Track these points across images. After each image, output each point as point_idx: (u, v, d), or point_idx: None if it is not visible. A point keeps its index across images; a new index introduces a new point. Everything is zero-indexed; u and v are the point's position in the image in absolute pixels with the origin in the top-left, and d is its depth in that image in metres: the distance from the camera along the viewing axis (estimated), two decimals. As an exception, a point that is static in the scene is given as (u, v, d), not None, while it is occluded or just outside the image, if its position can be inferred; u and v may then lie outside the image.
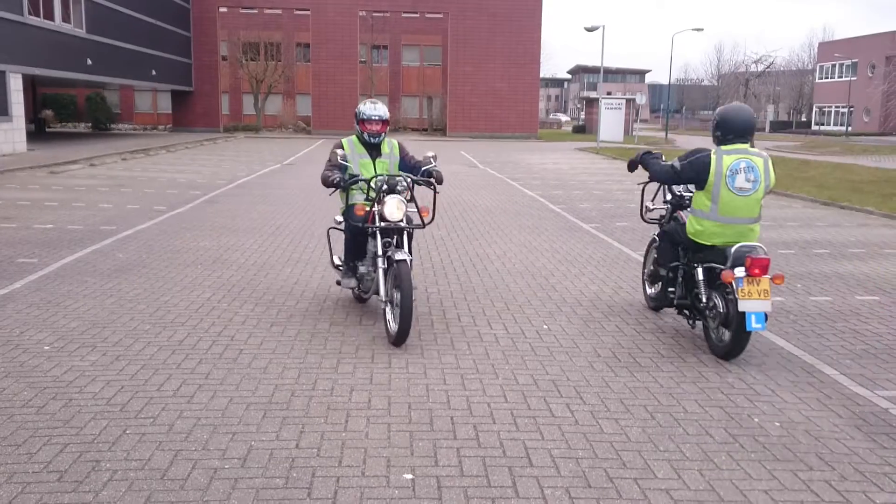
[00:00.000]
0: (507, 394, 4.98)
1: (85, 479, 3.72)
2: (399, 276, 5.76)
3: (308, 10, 49.32)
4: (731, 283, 5.58)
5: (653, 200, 7.19)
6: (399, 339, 5.84)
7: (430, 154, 6.77)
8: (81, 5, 31.81)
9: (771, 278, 5.55)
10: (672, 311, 6.90)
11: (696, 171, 6.04)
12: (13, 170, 20.15)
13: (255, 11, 57.10)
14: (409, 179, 6.38)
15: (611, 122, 46.34)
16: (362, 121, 6.64)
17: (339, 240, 7.10)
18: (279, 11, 56.44)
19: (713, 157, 5.93)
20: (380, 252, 6.18)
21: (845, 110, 68.67)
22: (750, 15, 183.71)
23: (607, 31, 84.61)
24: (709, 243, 6.02)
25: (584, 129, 57.34)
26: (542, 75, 58.38)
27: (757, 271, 5.46)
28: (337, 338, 6.13)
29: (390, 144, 6.86)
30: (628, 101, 52.64)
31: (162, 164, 24.39)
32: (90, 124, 50.10)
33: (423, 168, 6.67)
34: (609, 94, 69.19)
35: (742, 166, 5.85)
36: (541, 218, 13.34)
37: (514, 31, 48.97)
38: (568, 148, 40.34)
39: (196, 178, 19.45)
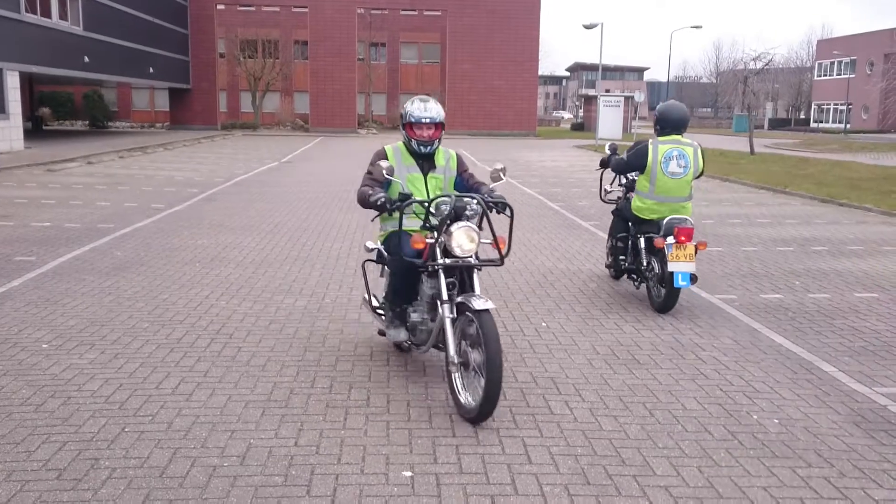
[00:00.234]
0: (505, 391, 4.96)
1: (84, 477, 3.72)
2: (483, 333, 4.33)
3: (306, 7, 49.29)
4: (662, 249, 6.79)
5: (611, 184, 8.35)
6: (481, 416, 4.38)
7: (499, 167, 5.21)
8: (78, 3, 31.77)
9: (695, 245, 6.75)
10: (669, 313, 6.94)
11: (638, 159, 7.20)
12: (10, 168, 20.12)
13: (253, 9, 57.09)
14: (481, 201, 4.72)
15: (609, 120, 46.25)
16: (410, 124, 5.13)
17: (368, 267, 5.95)
18: (277, 9, 56.41)
19: (650, 146, 7.11)
20: (444, 295, 4.69)
21: (844, 108, 68.68)
22: (749, 12, 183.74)
23: (606, 29, 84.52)
24: (648, 218, 7.19)
25: (583, 127, 57.32)
26: (540, 73, 58.36)
27: (683, 239, 6.68)
28: (335, 335, 6.13)
29: (447, 155, 5.35)
30: (627, 98, 52.56)
31: (159, 161, 24.37)
32: (87, 122, 50.08)
33: (490, 188, 5.16)
34: (608, 91, 69.17)
35: (674, 154, 7.05)
36: (539, 216, 13.34)
37: (513, 29, 48.96)
38: (566, 145, 40.35)
39: (194, 176, 19.43)
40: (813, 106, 78.82)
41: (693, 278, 6.76)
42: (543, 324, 6.59)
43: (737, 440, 4.31)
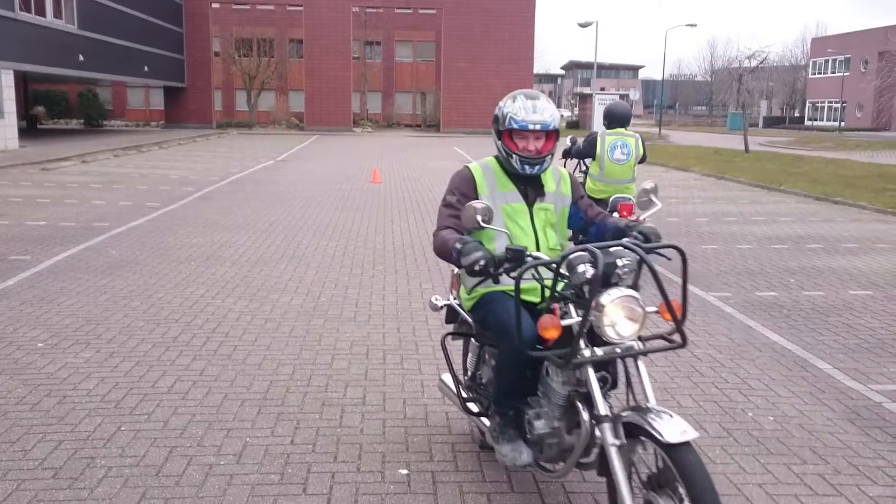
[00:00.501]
0: (501, 389, 4.97)
1: (80, 476, 3.71)
2: (687, 482, 2.72)
3: (301, 5, 49.21)
4: None
5: (573, 172, 8.82)
6: None
7: (650, 186, 3.83)
8: (73, 1, 31.69)
9: (635, 218, 6.85)
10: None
11: (589, 147, 8.65)
12: (5, 166, 20.07)
13: (248, 7, 56.99)
14: (636, 249, 3.13)
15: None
16: (510, 132, 3.55)
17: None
18: (272, 7, 56.31)
19: (599, 138, 8.53)
20: (600, 407, 3.03)
21: (838, 106, 68.82)
22: (743, 10, 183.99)
23: (601, 27, 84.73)
24: (599, 197, 8.44)
25: (578, 125, 57.36)
26: (535, 71, 58.39)
27: (624, 213, 7.76)
28: (331, 334, 6.13)
29: (556, 175, 3.75)
30: (622, 96, 52.67)
31: (154, 160, 24.33)
32: (82, 121, 49.95)
33: (633, 223, 3.61)
34: (602, 89, 69.27)
35: (618, 144, 8.45)
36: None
37: (508, 27, 48.94)
38: (562, 144, 40.31)
39: (189, 175, 19.40)
40: (807, 104, 78.96)
41: None
42: (539, 322, 6.58)
43: (732, 437, 4.32)
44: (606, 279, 3.06)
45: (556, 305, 3.14)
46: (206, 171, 20.46)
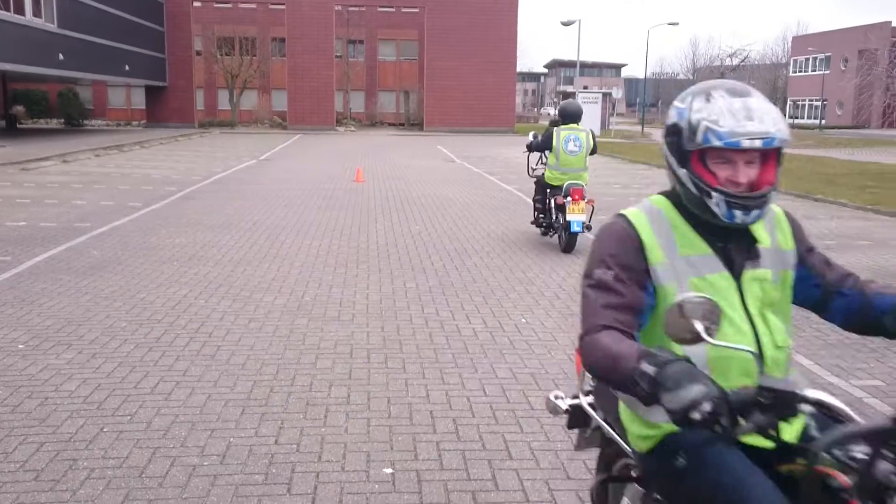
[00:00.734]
0: (486, 387, 4.99)
1: (62, 478, 3.69)
2: None
3: (283, 4, 49.02)
4: (563, 205, 9.49)
5: (536, 164, 10.75)
6: None
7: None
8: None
9: (586, 202, 9.50)
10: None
11: (546, 140, 10.02)
12: (-16, 166, 19.86)
13: (230, 6, 56.74)
14: None
15: (588, 116, 46.35)
16: (703, 152, 2.10)
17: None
18: (254, 6, 56.05)
19: (555, 132, 9.87)
20: None
21: (819, 103, 69.38)
22: (725, 9, 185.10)
23: (583, 26, 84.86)
24: (556, 184, 9.84)
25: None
26: (518, 69, 58.45)
27: (576, 197, 9.38)
28: (315, 333, 6.11)
29: (770, 220, 2.29)
30: (605, 95, 52.81)
31: (136, 160, 24.17)
32: (62, 120, 49.51)
33: None
34: (585, 88, 69.41)
35: (572, 138, 9.79)
36: (518, 212, 13.36)
37: (491, 26, 48.97)
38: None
39: (171, 174, 19.29)
40: (788, 102, 79.56)
41: (585, 227, 9.52)
42: (523, 320, 6.61)
43: (715, 433, 4.34)
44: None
45: None
46: (189, 171, 20.34)
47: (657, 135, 39.14)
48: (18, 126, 43.23)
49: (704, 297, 1.87)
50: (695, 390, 1.72)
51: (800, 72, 76.99)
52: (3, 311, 6.58)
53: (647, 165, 24.95)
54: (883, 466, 1.69)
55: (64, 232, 10.57)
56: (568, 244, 9.63)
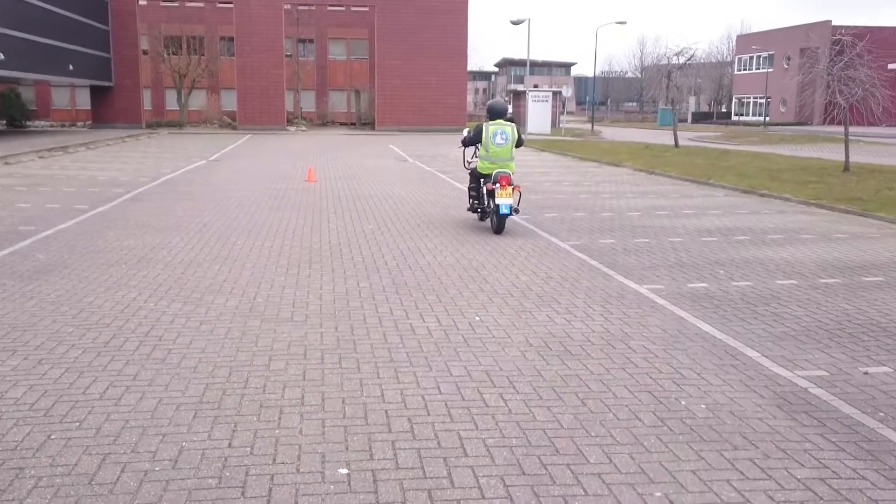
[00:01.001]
0: (440, 385, 5.00)
1: (8, 488, 3.60)
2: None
3: (231, 3, 48.43)
4: (492, 191, 10.75)
5: (471, 157, 12.02)
6: None
7: None
8: (-9, -3, 30.57)
9: (513, 187, 10.71)
10: (599, 304, 7.10)
11: (477, 135, 11.38)
12: (-79, 169, 19.24)
13: (177, 4, 55.88)
14: None
15: (538, 115, 46.84)
16: None
17: None
18: (201, 4, 55.33)
19: (484, 127, 11.23)
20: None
21: (763, 101, 70.88)
22: (672, 8, 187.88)
23: (533, 25, 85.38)
24: (486, 173, 11.15)
25: (513, 122, 57.79)
26: (469, 68, 58.62)
27: (504, 183, 10.60)
28: (268, 335, 6.06)
29: None
30: (555, 93, 53.25)
31: (82, 161, 23.65)
32: (4, 121, 48.19)
33: None
34: (536, 86, 69.88)
35: (499, 132, 11.17)
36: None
37: (441, 24, 49.03)
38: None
39: (118, 176, 18.93)
40: (734, 99, 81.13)
41: (513, 209, 10.88)
42: (477, 318, 6.63)
43: (666, 426, 4.43)
44: None
45: None
46: (137, 172, 19.98)
47: (607, 132, 39.80)
48: (-43, 127, 41.97)
49: None
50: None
51: (744, 70, 78.55)
52: (-56, 317, 6.39)
53: (598, 163, 25.22)
54: None
55: (7, 236, 10.30)
56: (499, 225, 10.82)
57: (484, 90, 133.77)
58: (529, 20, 38.75)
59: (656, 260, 9.22)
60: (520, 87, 64.38)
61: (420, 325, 6.40)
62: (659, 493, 3.65)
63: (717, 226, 11.91)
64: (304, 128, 51.32)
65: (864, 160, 24.45)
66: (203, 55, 54.63)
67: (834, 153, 27.59)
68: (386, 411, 4.57)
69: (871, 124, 34.32)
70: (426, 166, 23.24)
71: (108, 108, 47.86)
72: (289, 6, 51.21)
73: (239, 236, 10.53)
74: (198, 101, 54.86)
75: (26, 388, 4.85)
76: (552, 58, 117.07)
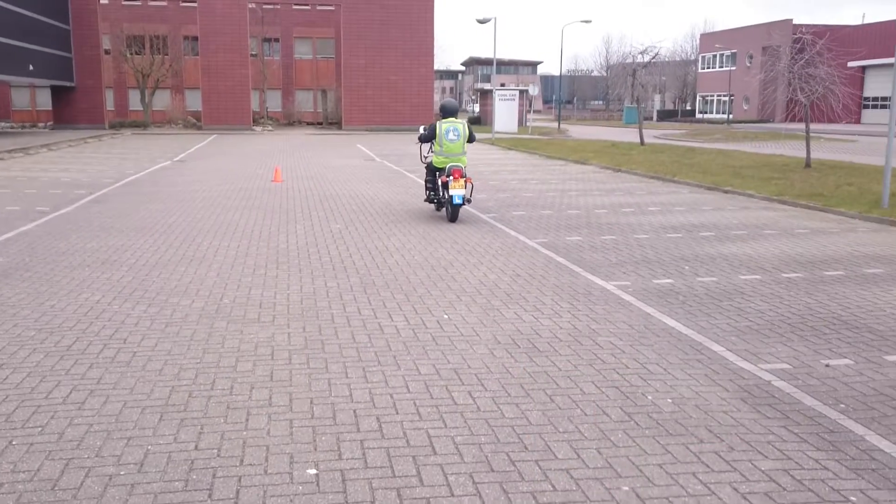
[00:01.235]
0: (409, 384, 5.00)
1: (-32, 496, 3.53)
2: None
3: (194, 1, 47.91)
4: (446, 183, 11.70)
5: (427, 152, 12.87)
6: None
7: None
8: (-53, -4, 29.93)
9: (465, 179, 11.70)
10: (567, 300, 7.14)
11: (431, 132, 12.33)
12: None
13: (139, 3, 55.15)
14: None
15: (505, 113, 46.93)
16: None
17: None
18: (164, 3, 54.66)
19: (438, 125, 12.15)
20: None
21: (726, 98, 71.79)
22: (636, 7, 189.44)
23: (499, 23, 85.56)
24: (441, 166, 12.06)
25: (480, 121, 57.92)
26: (436, 67, 58.58)
27: (457, 176, 11.54)
28: (235, 336, 6.01)
29: None
30: (521, 92, 53.42)
31: (43, 163, 23.26)
32: (-38, 123, 47.24)
33: None
34: (503, 85, 70.10)
35: (451, 129, 12.11)
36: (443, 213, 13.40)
37: (407, 23, 48.97)
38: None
39: (81, 177, 18.65)
40: (698, 97, 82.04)
41: (466, 200, 11.87)
42: (445, 316, 6.64)
43: (633, 421, 4.46)
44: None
45: None
46: (100, 173, 19.70)
47: (574, 131, 39.96)
48: (-87, 129, 41.07)
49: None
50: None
51: (708, 68, 79.47)
52: None
53: (564, 161, 25.36)
54: None
55: (-35, 239, 10.09)
56: (452, 215, 11.81)
57: (451, 89, 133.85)
58: (495, 19, 38.80)
59: (623, 257, 9.30)
60: (486, 86, 64.54)
61: (388, 324, 6.39)
62: (626, 487, 3.68)
63: (683, 222, 12.04)
64: (270, 128, 50.95)
65: (824, 156, 24.87)
66: (167, 55, 53.94)
67: (795, 150, 28.02)
68: (354, 411, 4.56)
69: (831, 121, 34.91)
70: (394, 165, 23.20)
71: (70, 109, 47.12)
72: (253, 5, 50.82)
73: (205, 237, 10.43)
74: (162, 101, 54.19)
75: (-13, 393, 4.76)
76: (519, 57, 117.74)
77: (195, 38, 50.78)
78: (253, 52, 52.50)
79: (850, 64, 44.61)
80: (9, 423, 4.32)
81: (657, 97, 77.53)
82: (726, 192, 16.14)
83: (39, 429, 4.25)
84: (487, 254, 9.43)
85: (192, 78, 53.21)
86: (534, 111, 59.49)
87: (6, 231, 10.74)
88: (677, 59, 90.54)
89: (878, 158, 15.90)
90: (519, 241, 10.34)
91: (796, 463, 3.94)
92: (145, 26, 53.10)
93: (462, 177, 11.62)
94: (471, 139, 12.34)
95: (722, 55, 75.46)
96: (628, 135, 41.52)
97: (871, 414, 4.57)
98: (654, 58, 35.96)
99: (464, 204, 11.83)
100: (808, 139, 21.93)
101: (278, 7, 55.58)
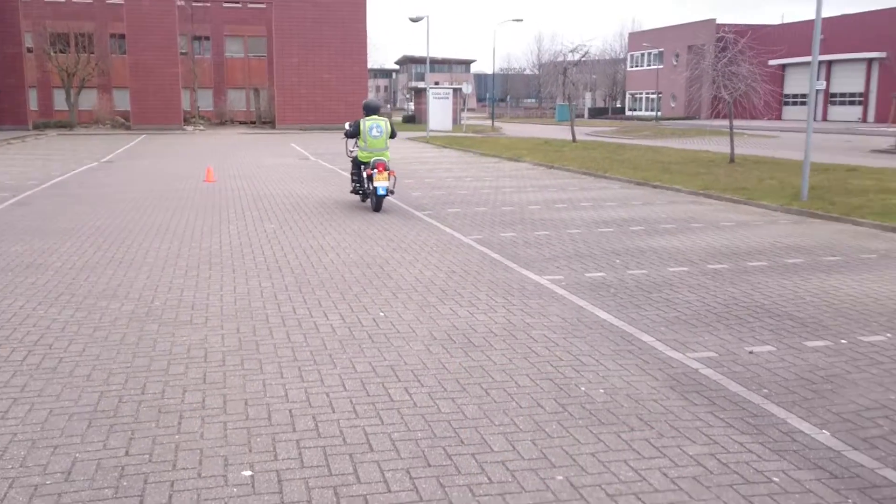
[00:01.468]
0: (345, 382, 4.99)
1: None
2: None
3: (121, -2, 46.72)
4: (371, 175, 12.56)
5: (353, 147, 13.57)
6: None
7: None
8: None
9: (388, 172, 12.49)
10: (502, 296, 7.22)
11: (355, 128, 13.14)
12: None
13: (63, 0, 53.46)
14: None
15: (439, 112, 47.05)
16: None
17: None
18: (90, 0, 53.10)
19: (362, 122, 12.99)
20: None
21: (655, 96, 73.33)
22: (567, 6, 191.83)
23: (432, 22, 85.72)
24: (365, 160, 12.97)
25: (414, 119, 57.93)
26: (370, 66, 58.38)
27: (380, 169, 12.43)
28: (167, 339, 5.90)
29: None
30: (455, 90, 53.62)
31: (-39, 165, 22.39)
32: None
33: None
34: (437, 83, 70.21)
35: (374, 126, 12.95)
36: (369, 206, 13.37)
37: (340, 21, 48.67)
38: (398, 138, 40.57)
39: (3, 179, 18.02)
40: (627, 95, 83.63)
41: (389, 191, 12.63)
42: (381, 313, 6.64)
43: (567, 412, 4.54)
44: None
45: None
46: (23, 175, 19.06)
47: (508, 129, 40.36)
48: None
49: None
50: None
51: (636, 66, 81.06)
52: None
53: (499, 159, 25.54)
54: None
55: None
56: (377, 205, 12.73)
57: (385, 87, 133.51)
58: (428, 17, 38.81)
59: (556, 251, 9.43)
60: (420, 85, 64.53)
61: (324, 323, 6.36)
62: (560, 477, 3.75)
63: (614, 217, 12.27)
64: (201, 127, 50.04)
65: (747, 152, 25.62)
66: (93, 53, 52.44)
67: (720, 145, 28.77)
68: (290, 411, 4.53)
69: (753, 118, 35.96)
70: (328, 164, 23.05)
71: (-10, 109, 45.44)
72: (182, 2, 49.83)
73: (134, 239, 10.20)
74: (88, 100, 52.67)
75: None
76: (452, 55, 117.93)
77: (122, 36, 49.56)
78: (183, 51, 51.50)
79: (771, 62, 46.04)
80: (-72, 435, 4.16)
81: (588, 95, 78.70)
82: (655, 187, 16.49)
83: (-39, 439, 4.11)
84: (423, 251, 9.45)
85: (120, 77, 51.88)
86: (468, 109, 59.81)
87: (-78, 236, 10.32)
88: (607, 57, 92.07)
89: (797, 153, 16.47)
90: (454, 237, 10.39)
91: (722, 447, 4.07)
92: (70, 24, 51.56)
93: (385, 169, 12.49)
94: (392, 135, 13.31)
95: (650, 54, 77.06)
96: (561, 132, 42.06)
97: (791, 398, 4.75)
98: (584, 56, 36.55)
99: (387, 195, 12.69)
100: (731, 135, 22.57)
101: (208, 5, 54.64)
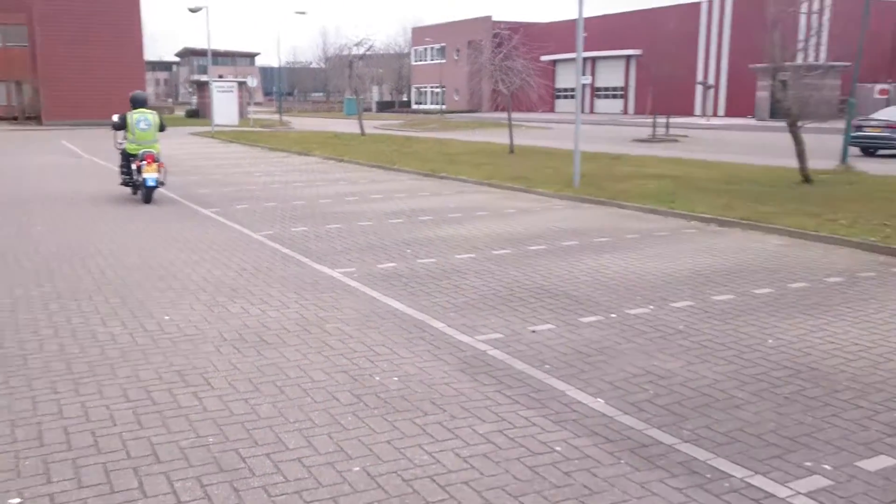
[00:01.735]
0: (127, 392, 4.71)
1: None
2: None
3: None
4: (139, 167, 12.72)
5: (121, 139, 13.51)
6: None
7: None
8: None
9: (157, 164, 12.71)
10: (295, 291, 7.13)
11: (122, 121, 13.25)
12: None
13: None
14: None
15: (224, 106, 45.54)
16: None
17: None
18: None
19: (129, 115, 13.11)
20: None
21: (439, 90, 75.34)
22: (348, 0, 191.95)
23: (212, 13, 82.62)
24: (135, 153, 12.97)
25: (199, 114, 55.62)
26: (148, 58, 55.27)
27: (149, 160, 12.65)
28: (-85, 361, 5.27)
29: None
30: (240, 83, 52.12)
31: None
32: None
33: None
34: (221, 76, 67.80)
35: (142, 118, 13.15)
36: (155, 206, 12.71)
37: (112, 10, 45.62)
38: (183, 133, 38.74)
39: None
40: (413, 89, 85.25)
41: (159, 182, 12.84)
42: (166, 317, 6.33)
43: (362, 402, 4.57)
44: None
45: None
46: None
47: (296, 123, 39.72)
48: None
49: None
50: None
51: (420, 61, 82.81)
52: None
53: (288, 153, 25.15)
54: None
55: None
56: (146, 196, 12.91)
57: (166, 81, 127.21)
58: (207, 9, 37.37)
59: (348, 244, 9.44)
60: (203, 78, 62.04)
61: (103, 330, 5.96)
62: (357, 468, 3.77)
63: (403, 208, 12.47)
64: (-49, 125, 45.05)
65: (525, 142, 27.00)
66: None
67: (501, 137, 30.07)
68: (65, 428, 4.21)
69: (529, 110, 37.97)
70: (102, 161, 21.61)
71: None
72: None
73: None
74: None
75: None
76: (236, 48, 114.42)
77: None
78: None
79: (543, 58, 48.75)
80: None
81: (375, 89, 79.51)
82: (442, 178, 16.95)
83: None
84: (211, 249, 9.11)
85: None
86: (254, 103, 58.39)
87: None
88: (392, 52, 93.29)
89: (569, 143, 17.54)
90: (244, 234, 10.11)
91: (510, 423, 4.27)
92: None
93: (155, 161, 12.73)
94: (162, 128, 13.50)
95: (432, 49, 79.00)
96: (349, 126, 42.10)
97: (570, 371, 5.07)
98: (368, 50, 36.81)
99: (157, 186, 12.87)
100: (510, 127, 23.69)
101: (-48, -11, 49.17)
